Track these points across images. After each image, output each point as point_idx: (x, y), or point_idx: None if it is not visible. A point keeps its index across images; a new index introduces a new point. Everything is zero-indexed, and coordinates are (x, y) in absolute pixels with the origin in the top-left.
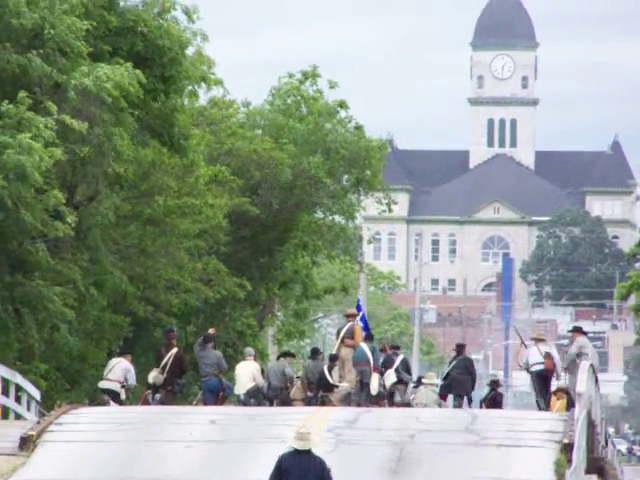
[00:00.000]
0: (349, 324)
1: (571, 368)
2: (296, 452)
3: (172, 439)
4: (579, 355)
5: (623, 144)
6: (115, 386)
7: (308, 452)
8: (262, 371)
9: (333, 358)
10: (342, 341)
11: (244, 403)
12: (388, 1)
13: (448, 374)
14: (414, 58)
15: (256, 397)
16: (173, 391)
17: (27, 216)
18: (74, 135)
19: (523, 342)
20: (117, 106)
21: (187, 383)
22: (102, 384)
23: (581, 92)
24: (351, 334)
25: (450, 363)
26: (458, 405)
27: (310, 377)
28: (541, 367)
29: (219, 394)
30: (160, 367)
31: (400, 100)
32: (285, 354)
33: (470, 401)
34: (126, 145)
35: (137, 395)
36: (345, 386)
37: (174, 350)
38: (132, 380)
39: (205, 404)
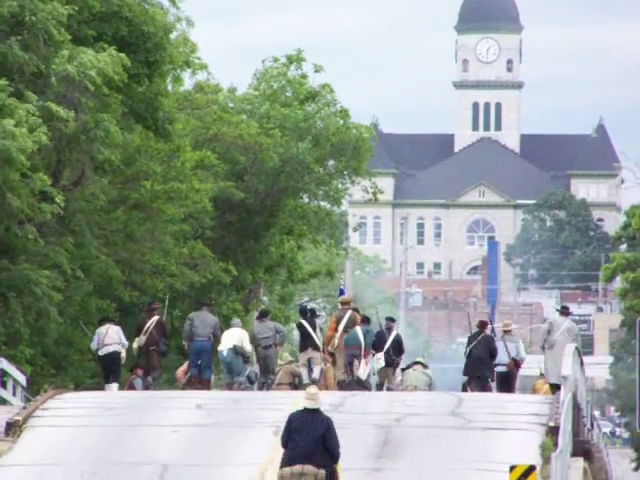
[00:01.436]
0: (349, 313)
1: (545, 347)
2: (305, 411)
3: (158, 424)
4: (549, 332)
5: (608, 127)
6: (117, 348)
7: (316, 411)
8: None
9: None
10: (345, 331)
11: (229, 365)
12: None
13: (470, 352)
14: (399, 42)
15: (242, 354)
16: (158, 350)
17: (14, 200)
18: (60, 120)
19: (494, 333)
20: (101, 92)
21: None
22: (103, 350)
23: (566, 75)
24: (353, 324)
25: (470, 341)
26: (482, 389)
27: (260, 336)
28: (503, 368)
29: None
30: (143, 332)
31: (385, 84)
32: (265, 314)
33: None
34: (114, 130)
35: (122, 380)
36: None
37: (156, 317)
38: (125, 340)
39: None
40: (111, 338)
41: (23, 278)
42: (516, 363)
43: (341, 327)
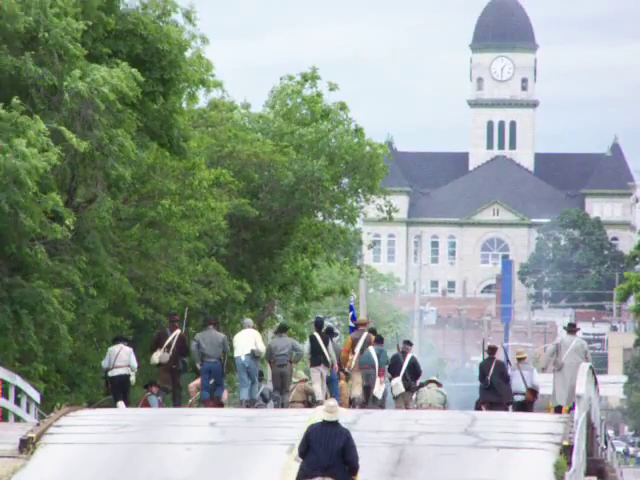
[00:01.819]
0: (364, 334)
1: (553, 369)
2: (324, 423)
3: (172, 441)
4: (557, 353)
5: (623, 146)
6: (126, 371)
7: (335, 423)
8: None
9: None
10: (361, 352)
11: (247, 370)
12: (388, 3)
13: (490, 382)
14: (414, 60)
15: (257, 358)
16: (178, 369)
17: (26, 220)
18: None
19: (509, 361)
20: (114, 108)
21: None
22: (114, 372)
23: (581, 94)
24: (369, 345)
25: (483, 366)
26: None
27: (276, 352)
28: (521, 397)
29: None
30: (164, 346)
31: (400, 102)
32: (284, 329)
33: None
34: (130, 146)
35: (137, 398)
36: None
37: (177, 331)
38: (135, 363)
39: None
40: (122, 360)
41: (36, 296)
42: (534, 392)
43: (357, 349)
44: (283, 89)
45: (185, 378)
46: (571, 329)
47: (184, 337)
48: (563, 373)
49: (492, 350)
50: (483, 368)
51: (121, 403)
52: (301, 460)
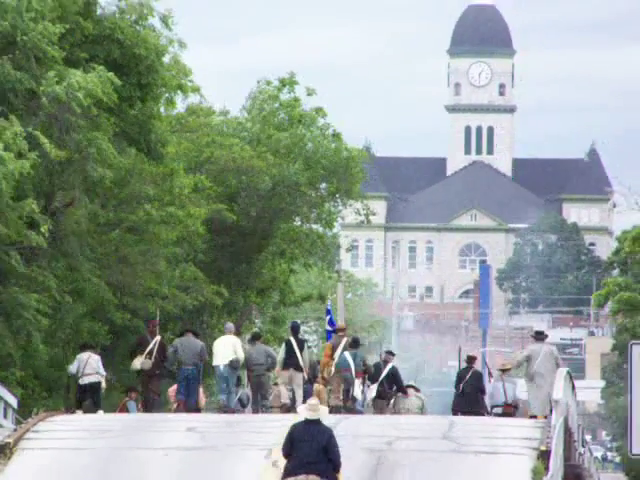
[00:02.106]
0: (344, 340)
1: (526, 377)
2: (307, 422)
3: (151, 447)
4: (527, 362)
5: (600, 152)
6: (97, 378)
7: (317, 422)
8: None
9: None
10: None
11: (226, 380)
12: (366, 9)
13: (462, 389)
14: (391, 66)
15: (236, 369)
16: (161, 375)
17: None
18: (50, 144)
19: (490, 373)
20: (90, 114)
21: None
22: (84, 380)
23: (558, 100)
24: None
25: (459, 374)
26: None
27: (252, 362)
28: (499, 410)
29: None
30: (146, 353)
31: (378, 107)
32: (257, 337)
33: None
34: (108, 148)
35: (114, 403)
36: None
37: (158, 337)
38: (103, 370)
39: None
40: (91, 367)
41: (11, 301)
42: (515, 407)
43: (337, 354)
44: (260, 93)
45: (164, 384)
46: (539, 337)
47: (164, 343)
48: (536, 382)
49: (470, 359)
50: (460, 376)
51: (100, 412)
52: (281, 462)
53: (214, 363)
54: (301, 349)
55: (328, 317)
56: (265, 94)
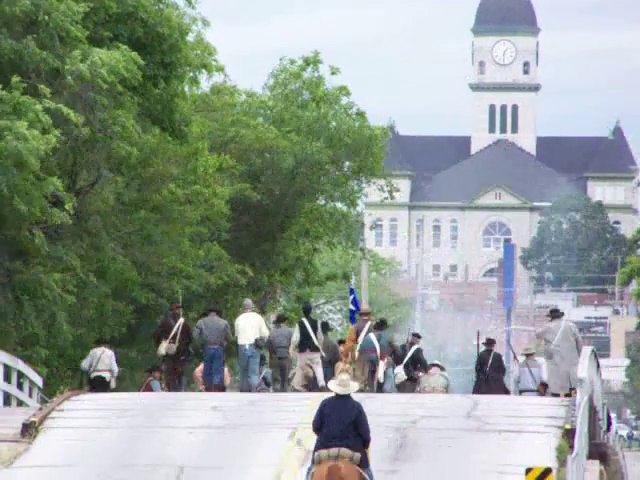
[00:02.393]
0: (368, 323)
1: (545, 355)
2: (337, 397)
3: (174, 426)
4: (545, 340)
5: (625, 130)
6: (107, 375)
7: (347, 397)
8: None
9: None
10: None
11: (250, 359)
12: None
13: (485, 372)
14: (416, 44)
15: (261, 348)
16: (186, 359)
17: (20, 204)
18: (72, 123)
19: (515, 357)
20: (115, 91)
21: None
22: (94, 374)
23: (582, 78)
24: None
25: (481, 357)
26: None
27: (276, 344)
28: (534, 394)
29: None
30: (170, 337)
31: (402, 86)
32: (282, 319)
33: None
34: (132, 126)
35: (139, 382)
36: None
37: (181, 320)
38: (116, 367)
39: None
40: (104, 364)
41: (35, 281)
42: (545, 386)
43: (361, 338)
44: (282, 71)
45: (188, 367)
46: (555, 314)
47: (188, 326)
48: (555, 361)
49: (490, 342)
50: (481, 360)
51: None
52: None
53: (239, 342)
54: (314, 329)
55: (352, 297)
56: (287, 72)
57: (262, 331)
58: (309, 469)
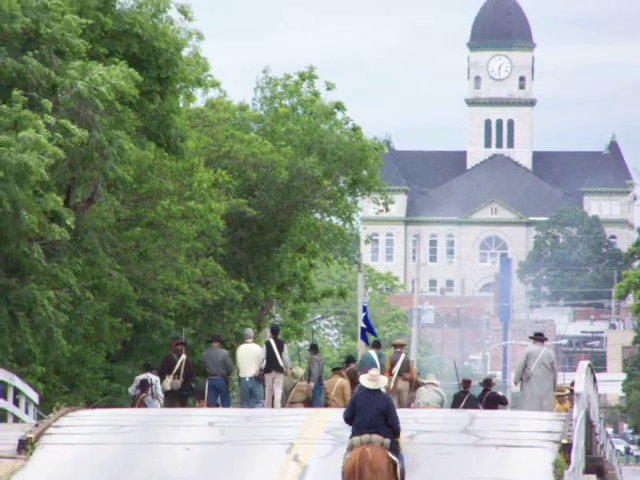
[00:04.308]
0: (402, 356)
1: (523, 377)
2: (368, 391)
3: (170, 441)
4: (526, 364)
5: (621, 144)
6: (151, 403)
7: (377, 391)
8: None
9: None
10: (400, 374)
11: (251, 391)
12: (385, 3)
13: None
14: (411, 59)
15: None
16: (187, 395)
17: (27, 217)
18: (73, 138)
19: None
20: (114, 108)
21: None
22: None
23: (578, 93)
24: (407, 368)
25: (456, 398)
26: None
27: (313, 371)
28: None
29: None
30: (174, 373)
31: (397, 101)
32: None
33: None
34: (128, 147)
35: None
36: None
37: (184, 356)
38: (161, 392)
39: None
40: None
41: (30, 298)
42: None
43: (395, 370)
44: (269, 83)
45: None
46: (538, 338)
47: (189, 362)
48: (531, 384)
49: (466, 384)
50: (456, 400)
51: None
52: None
53: (240, 375)
54: (280, 350)
55: (364, 314)
56: (275, 83)
57: (261, 363)
58: (344, 455)
